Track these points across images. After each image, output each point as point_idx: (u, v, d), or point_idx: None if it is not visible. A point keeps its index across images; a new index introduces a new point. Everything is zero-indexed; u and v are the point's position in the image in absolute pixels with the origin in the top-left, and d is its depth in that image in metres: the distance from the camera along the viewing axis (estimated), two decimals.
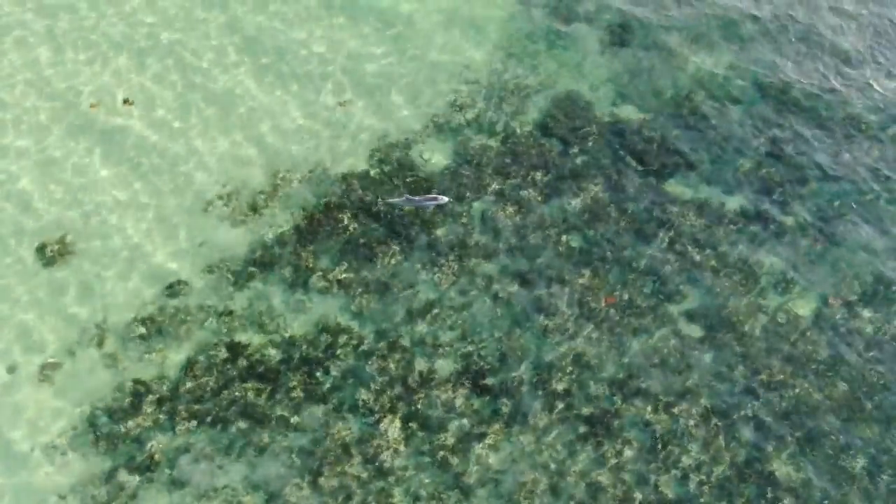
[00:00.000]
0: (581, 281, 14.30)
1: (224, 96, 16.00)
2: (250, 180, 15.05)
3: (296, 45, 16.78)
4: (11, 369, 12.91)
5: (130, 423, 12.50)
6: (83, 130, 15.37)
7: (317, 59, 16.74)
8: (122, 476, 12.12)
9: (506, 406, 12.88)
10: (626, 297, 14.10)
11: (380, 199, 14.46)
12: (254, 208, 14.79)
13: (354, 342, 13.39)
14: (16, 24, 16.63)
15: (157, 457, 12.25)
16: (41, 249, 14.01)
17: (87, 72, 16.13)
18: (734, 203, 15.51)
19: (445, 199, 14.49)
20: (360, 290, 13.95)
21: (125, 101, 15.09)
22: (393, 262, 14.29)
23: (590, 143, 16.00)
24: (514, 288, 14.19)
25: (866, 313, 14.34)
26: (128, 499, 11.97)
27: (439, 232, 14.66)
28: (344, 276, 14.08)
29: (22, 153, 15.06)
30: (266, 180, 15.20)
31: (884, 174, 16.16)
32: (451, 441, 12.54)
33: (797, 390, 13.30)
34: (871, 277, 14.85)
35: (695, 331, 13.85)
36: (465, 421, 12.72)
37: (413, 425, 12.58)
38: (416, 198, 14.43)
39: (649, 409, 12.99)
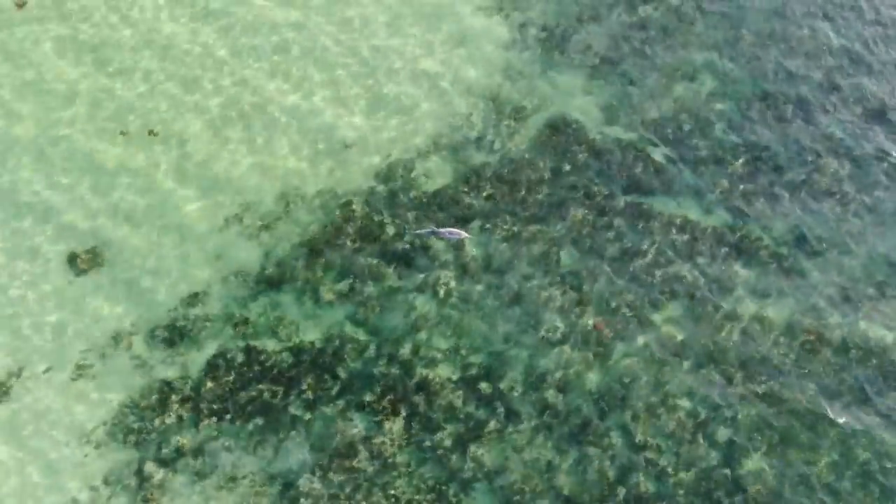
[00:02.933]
0: (571, 294, 15.65)
1: (256, 111, 17.57)
2: (264, 197, 16.58)
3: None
4: (47, 369, 14.59)
5: (157, 420, 14.06)
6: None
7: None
8: (150, 468, 13.70)
9: (499, 409, 14.23)
10: (612, 305, 15.47)
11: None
12: (266, 225, 16.32)
13: (360, 349, 14.86)
14: None
15: (181, 450, 13.78)
16: (72, 259, 15.65)
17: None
18: (713, 219, 16.83)
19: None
20: (364, 301, 15.42)
21: (150, 133, 16.79)
22: (395, 275, 15.72)
23: (580, 163, 17.43)
24: (508, 300, 15.55)
25: (833, 319, 15.62)
26: (154, 489, 13.54)
27: (437, 246, 16.07)
28: (350, 288, 15.55)
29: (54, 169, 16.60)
30: (279, 197, 16.70)
31: (852, 193, 17.39)
32: (448, 441, 13.96)
33: (770, 393, 14.55)
34: (839, 289, 16.16)
35: (675, 337, 15.19)
36: (461, 422, 14.08)
37: (415, 425, 14.00)
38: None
39: (631, 413, 14.29)
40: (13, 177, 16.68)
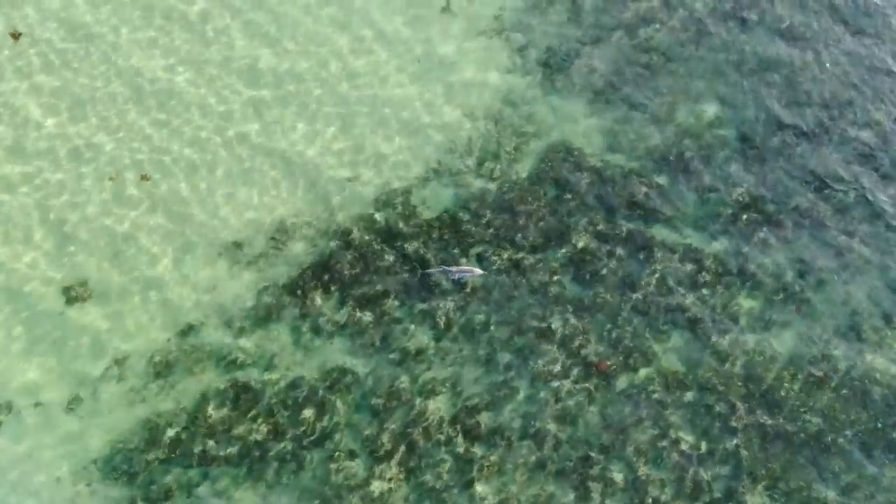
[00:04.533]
0: (572, 324, 15.70)
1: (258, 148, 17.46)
2: (260, 228, 16.52)
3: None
4: (38, 404, 14.44)
5: (150, 456, 13.93)
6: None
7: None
8: None
9: (499, 443, 14.27)
10: (613, 335, 15.55)
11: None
12: (263, 254, 16.28)
13: (357, 381, 14.84)
14: None
15: (173, 489, 13.70)
16: (66, 291, 15.53)
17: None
18: (716, 247, 16.95)
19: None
20: (363, 331, 15.39)
21: (143, 177, 16.71)
22: (394, 305, 15.72)
23: (581, 189, 17.48)
24: (508, 331, 15.60)
25: (837, 352, 15.77)
26: None
27: (437, 276, 16.08)
28: (348, 318, 15.54)
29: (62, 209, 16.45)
30: (276, 227, 16.63)
31: (857, 222, 17.52)
32: (446, 476, 13.96)
33: (773, 426, 14.69)
34: (843, 319, 16.30)
35: (677, 369, 15.27)
36: (459, 458, 14.09)
37: (413, 460, 13.98)
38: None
39: (633, 446, 14.39)
40: None
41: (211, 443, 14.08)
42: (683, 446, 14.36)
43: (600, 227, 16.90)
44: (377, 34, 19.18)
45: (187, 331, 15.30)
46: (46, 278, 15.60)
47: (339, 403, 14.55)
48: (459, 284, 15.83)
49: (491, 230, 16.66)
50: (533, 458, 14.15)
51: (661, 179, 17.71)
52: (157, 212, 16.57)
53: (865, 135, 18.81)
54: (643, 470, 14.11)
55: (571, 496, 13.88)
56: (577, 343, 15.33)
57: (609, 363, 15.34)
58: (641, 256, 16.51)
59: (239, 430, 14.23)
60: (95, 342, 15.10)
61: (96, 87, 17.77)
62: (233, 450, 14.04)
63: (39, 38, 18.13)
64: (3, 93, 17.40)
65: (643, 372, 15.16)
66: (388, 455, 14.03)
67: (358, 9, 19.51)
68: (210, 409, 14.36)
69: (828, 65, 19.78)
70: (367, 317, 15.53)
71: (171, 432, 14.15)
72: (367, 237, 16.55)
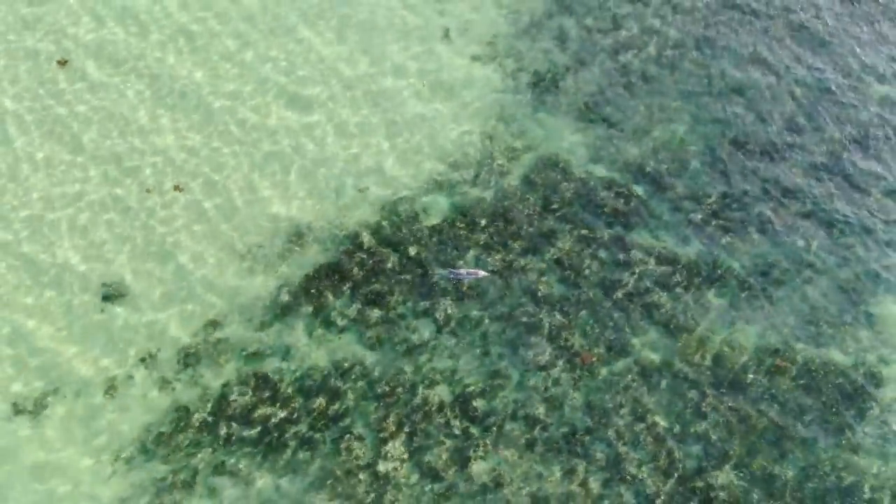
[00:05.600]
0: (558, 320, 17.08)
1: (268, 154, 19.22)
2: (278, 232, 18.01)
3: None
4: (79, 390, 15.94)
5: (179, 438, 15.26)
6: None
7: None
8: (171, 483, 14.85)
9: (493, 426, 15.49)
10: (596, 330, 16.86)
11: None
12: (281, 257, 17.83)
13: (366, 371, 16.18)
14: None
15: (199, 468, 14.98)
16: (103, 288, 17.08)
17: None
18: (688, 250, 18.35)
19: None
20: (370, 326, 16.78)
21: (175, 188, 18.39)
22: (398, 302, 17.17)
23: (567, 198, 18.96)
24: (500, 326, 16.95)
25: (797, 345, 17.13)
26: None
27: (437, 277, 17.55)
28: (357, 314, 16.96)
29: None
30: (292, 232, 18.18)
31: (815, 228, 18.89)
32: (445, 455, 15.21)
33: (739, 411, 15.93)
34: (803, 316, 17.67)
35: (653, 360, 16.59)
36: (457, 439, 15.31)
37: (416, 440, 15.22)
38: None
39: (613, 429, 15.61)
40: None
41: (234, 426, 15.39)
42: (659, 429, 15.56)
43: (584, 231, 18.38)
44: (390, 62, 20.92)
45: (212, 326, 16.80)
46: (81, 274, 16.99)
47: (348, 391, 15.87)
48: (455, 282, 17.12)
49: (486, 235, 18.16)
50: (523, 440, 15.35)
51: (639, 189, 19.22)
52: (188, 219, 18.09)
53: (820, 151, 20.26)
54: (622, 450, 15.33)
55: (558, 473, 15.16)
56: (563, 337, 16.68)
57: (593, 357, 16.56)
58: (621, 259, 17.95)
59: (259, 414, 15.55)
60: (130, 335, 16.57)
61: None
62: (253, 432, 15.32)
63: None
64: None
65: (622, 362, 16.47)
66: (393, 437, 15.27)
67: (372, 39, 21.24)
68: (233, 396, 15.74)
69: (787, 88, 21.27)
70: (375, 313, 16.98)
71: (198, 417, 15.47)
72: (374, 241, 18.10)
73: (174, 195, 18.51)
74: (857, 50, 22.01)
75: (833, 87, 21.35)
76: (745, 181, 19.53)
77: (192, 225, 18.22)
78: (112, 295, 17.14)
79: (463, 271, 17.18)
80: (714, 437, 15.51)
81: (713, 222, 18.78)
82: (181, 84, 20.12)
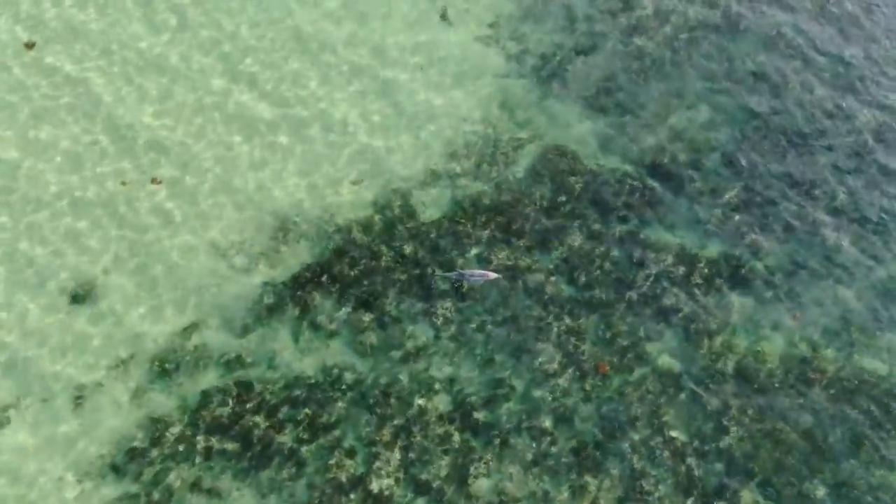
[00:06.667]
0: (567, 324, 16.21)
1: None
2: (262, 228, 17.11)
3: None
4: (45, 400, 14.92)
5: (153, 453, 14.38)
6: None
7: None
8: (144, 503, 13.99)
9: (496, 439, 14.73)
10: (608, 335, 16.04)
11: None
12: (264, 254, 16.87)
13: (357, 378, 15.33)
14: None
15: (175, 486, 14.11)
16: (70, 290, 16.08)
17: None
18: (708, 248, 17.49)
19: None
20: (362, 330, 15.91)
21: (153, 181, 17.44)
22: (392, 304, 16.27)
23: (576, 192, 18.09)
24: (504, 330, 16.11)
25: (827, 352, 16.28)
26: None
27: (440, 279, 16.60)
28: (347, 317, 16.06)
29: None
30: (277, 227, 17.24)
31: (846, 224, 18.12)
32: (444, 471, 14.40)
33: (765, 424, 15.14)
34: (833, 320, 16.82)
35: (671, 368, 15.74)
36: (457, 453, 14.53)
37: (412, 455, 14.43)
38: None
39: (627, 443, 14.83)
40: None
41: (213, 440, 14.52)
42: (677, 444, 14.76)
43: (595, 228, 17.50)
44: (382, 43, 19.98)
45: (190, 330, 15.81)
46: (47, 272, 16.03)
47: (338, 401, 15.00)
48: (458, 284, 16.31)
49: (487, 232, 17.25)
50: (529, 455, 14.58)
51: (654, 182, 18.32)
52: (164, 214, 17.14)
53: (851, 141, 19.41)
54: (638, 466, 14.52)
55: (567, 492, 14.31)
56: (572, 342, 15.82)
57: (608, 366, 15.77)
58: (635, 258, 17.09)
59: (240, 426, 14.66)
60: (99, 341, 15.57)
61: None
62: (234, 446, 14.45)
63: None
64: None
65: (637, 371, 15.61)
66: (387, 451, 14.44)
67: (365, 18, 20.33)
68: (212, 406, 14.81)
69: (815, 73, 20.43)
70: (366, 316, 16.07)
71: (174, 429, 14.57)
72: (366, 238, 17.15)
73: (151, 188, 17.49)
74: (892, 35, 21.17)
75: (865, 74, 20.50)
76: (770, 174, 18.64)
77: (168, 220, 17.21)
78: (80, 296, 16.11)
79: (469, 272, 16.28)
80: (737, 453, 14.76)
81: (735, 218, 17.88)
82: (159, 68, 19.08)
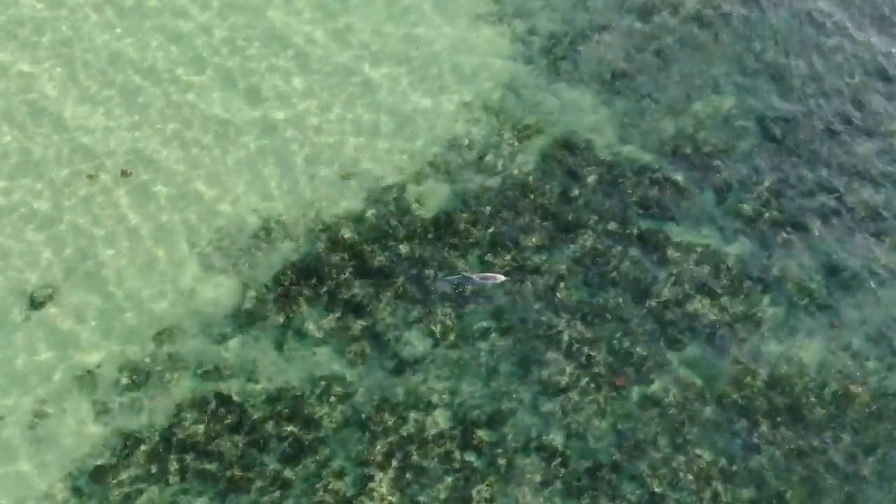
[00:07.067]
0: (580, 332, 15.30)
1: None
2: (243, 226, 16.30)
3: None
4: (2, 416, 14.03)
5: (122, 475, 13.56)
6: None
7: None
8: None
9: (501, 459, 13.86)
10: (625, 344, 15.12)
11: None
12: (246, 252, 16.04)
13: (347, 392, 14.49)
14: None
15: None
16: (30, 297, 15.19)
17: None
18: (736, 248, 16.55)
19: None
20: (353, 338, 15.08)
21: (123, 173, 16.69)
22: (387, 310, 15.40)
23: (590, 185, 17.14)
24: (510, 339, 15.25)
25: (869, 364, 15.25)
26: None
27: (442, 283, 15.72)
28: (336, 324, 15.22)
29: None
30: (258, 226, 16.43)
31: (890, 221, 17.03)
32: (444, 495, 13.53)
33: (799, 445, 14.18)
34: (875, 328, 15.77)
35: (694, 381, 14.82)
36: (458, 474, 13.71)
37: (408, 477, 13.63)
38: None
39: (647, 463, 13.95)
40: None
41: (187, 460, 13.71)
42: (701, 465, 13.90)
43: (611, 226, 16.60)
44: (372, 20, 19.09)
45: (161, 338, 15.00)
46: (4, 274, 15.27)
47: (326, 417, 14.22)
48: (460, 289, 15.50)
49: (492, 229, 16.38)
50: (538, 477, 13.72)
51: (677, 175, 17.41)
52: (130, 207, 16.32)
53: (892, 128, 18.40)
54: (658, 490, 13.66)
55: None
56: (585, 352, 14.93)
57: (625, 378, 14.96)
58: (655, 258, 16.17)
59: (218, 444, 13.86)
60: (59, 351, 14.75)
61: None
62: (211, 467, 13.65)
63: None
64: None
65: (657, 384, 14.74)
66: (380, 473, 13.66)
67: None
68: (187, 423, 14.03)
69: (856, 53, 19.38)
70: (357, 323, 15.25)
71: (144, 448, 13.77)
72: (357, 236, 16.31)
73: (120, 182, 16.62)
74: None
75: None
76: (805, 165, 17.68)
77: (139, 216, 16.40)
78: (41, 300, 15.27)
79: (474, 274, 15.43)
80: (768, 476, 13.86)
81: (766, 214, 16.89)
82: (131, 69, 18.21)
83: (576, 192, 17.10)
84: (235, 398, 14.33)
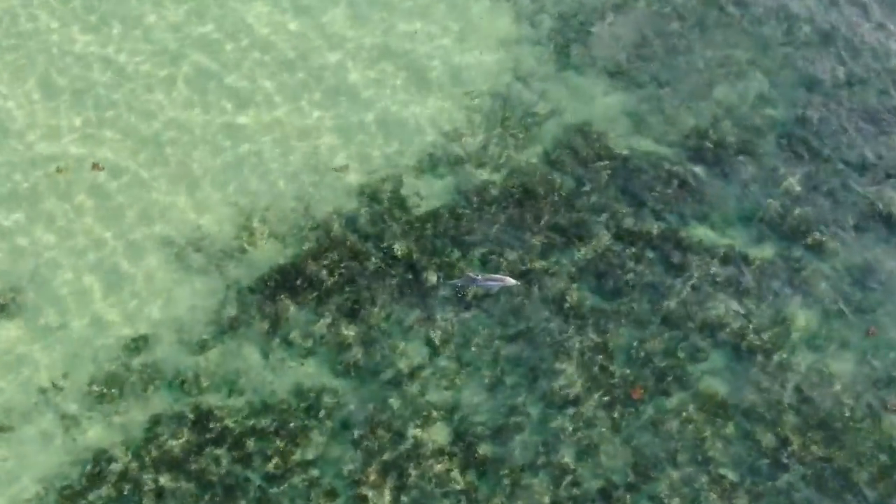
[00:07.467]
0: (592, 340, 14.70)
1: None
2: (223, 224, 15.74)
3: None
4: None
5: (92, 495, 12.93)
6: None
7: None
8: None
9: (506, 479, 13.20)
10: (641, 354, 14.42)
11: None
12: (228, 254, 15.51)
13: (338, 404, 13.92)
14: None
15: None
16: None
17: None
18: (762, 249, 15.92)
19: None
20: (344, 346, 14.53)
21: (94, 166, 16.20)
22: (381, 316, 14.88)
23: (603, 181, 16.52)
24: (516, 347, 14.70)
25: None
26: None
27: (432, 282, 15.20)
28: (327, 331, 14.67)
29: None
30: (241, 223, 15.89)
31: None
32: None
33: (832, 462, 13.44)
34: None
35: (717, 393, 14.12)
36: (459, 496, 13.04)
37: (405, 497, 13.01)
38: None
39: (665, 483, 13.25)
40: None
41: (164, 479, 13.10)
42: (725, 484, 13.26)
43: (625, 225, 15.98)
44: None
45: (135, 347, 14.44)
46: None
47: (315, 432, 13.67)
48: (462, 293, 14.93)
49: (496, 228, 15.79)
50: (546, 499, 13.10)
51: (698, 169, 16.76)
52: (106, 206, 15.68)
53: None
54: None
55: None
56: (598, 362, 14.33)
57: (641, 391, 14.32)
58: (674, 260, 15.56)
59: (197, 463, 13.29)
60: (29, 359, 14.18)
61: None
62: (190, 486, 13.08)
63: None
64: None
65: (677, 397, 14.10)
66: (374, 493, 13.08)
67: None
68: (164, 438, 13.47)
69: (893, 37, 18.52)
70: (350, 329, 14.72)
71: (117, 465, 13.17)
72: (350, 235, 15.75)
73: (90, 175, 16.09)
74: None
75: None
76: (838, 158, 16.96)
77: (110, 213, 15.86)
78: (6, 305, 14.67)
79: (483, 278, 14.88)
80: (798, 496, 13.16)
81: (795, 212, 16.18)
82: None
83: (587, 187, 16.46)
84: (216, 412, 13.80)
